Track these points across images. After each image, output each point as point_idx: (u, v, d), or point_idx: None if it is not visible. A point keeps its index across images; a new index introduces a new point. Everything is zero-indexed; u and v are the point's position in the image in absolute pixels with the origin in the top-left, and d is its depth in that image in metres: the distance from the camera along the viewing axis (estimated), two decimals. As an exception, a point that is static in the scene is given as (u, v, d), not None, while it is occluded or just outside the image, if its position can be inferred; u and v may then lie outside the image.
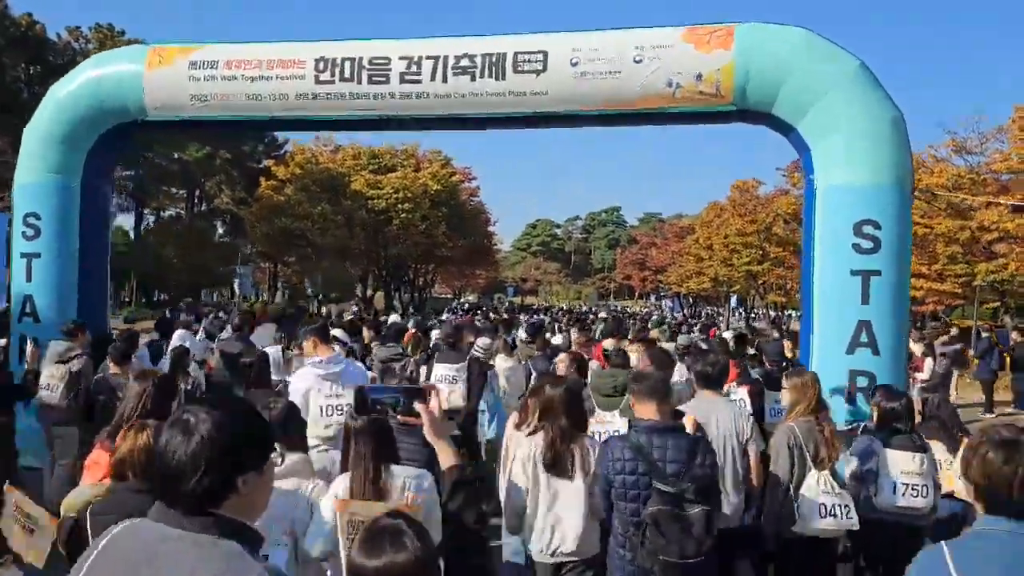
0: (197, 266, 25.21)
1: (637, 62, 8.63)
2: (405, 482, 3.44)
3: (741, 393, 7.46)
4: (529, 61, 8.82)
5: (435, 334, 11.92)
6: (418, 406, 2.65)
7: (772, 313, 41.38)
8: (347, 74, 9.18)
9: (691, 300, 60.87)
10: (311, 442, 5.57)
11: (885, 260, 8.39)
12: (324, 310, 32.22)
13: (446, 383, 7.55)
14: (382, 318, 20.70)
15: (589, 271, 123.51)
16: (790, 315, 52.80)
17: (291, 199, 34.10)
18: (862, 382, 8.26)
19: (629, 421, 5.26)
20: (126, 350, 7.76)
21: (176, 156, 35.41)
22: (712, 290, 47.14)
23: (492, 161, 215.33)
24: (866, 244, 8.41)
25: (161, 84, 9.63)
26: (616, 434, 4.71)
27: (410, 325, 19.97)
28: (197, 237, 27.09)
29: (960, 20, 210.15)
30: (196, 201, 41.37)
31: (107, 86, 9.76)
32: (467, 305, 53.47)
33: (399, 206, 34.46)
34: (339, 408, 5.84)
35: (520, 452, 4.36)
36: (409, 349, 9.86)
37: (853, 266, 8.42)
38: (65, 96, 9.90)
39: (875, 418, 5.42)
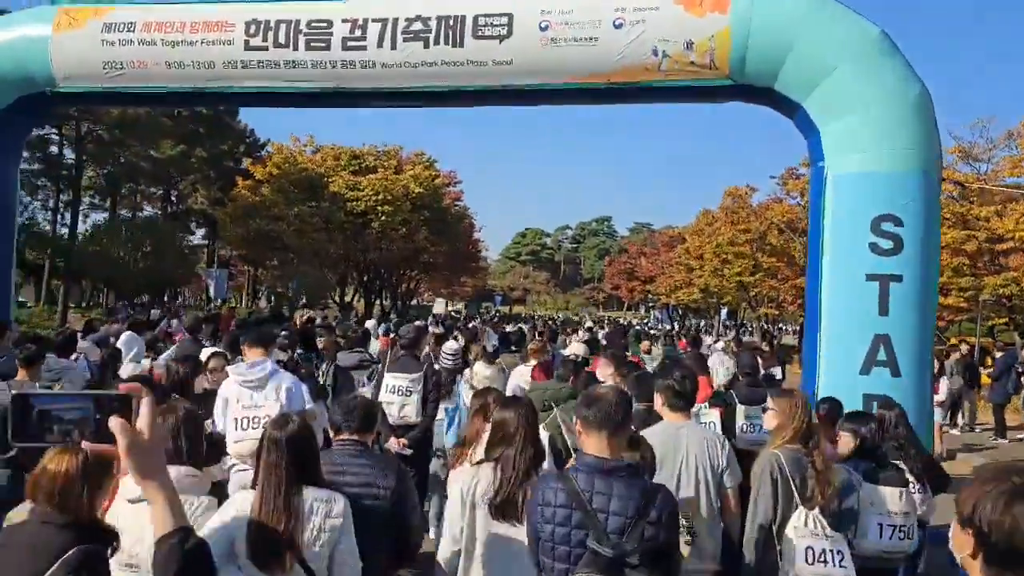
0: (152, 267, 23.76)
1: (617, 27, 7.37)
2: (313, 505, 3.10)
3: (712, 416, 6.36)
4: (491, 25, 7.55)
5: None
6: (114, 424, 1.41)
7: (764, 326, 40.13)
8: (282, 39, 7.89)
9: (680, 312, 59.66)
10: (230, 461, 5.14)
11: (908, 263, 7.18)
12: (298, 315, 30.85)
13: (398, 395, 6.72)
14: (366, 324, 19.30)
15: (579, 281, 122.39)
16: (781, 329, 51.72)
17: (267, 200, 32.71)
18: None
19: (551, 438, 4.73)
20: (36, 354, 6.34)
21: (149, 153, 33.88)
22: (702, 301, 45.93)
23: (478, 167, 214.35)
24: (885, 243, 7.19)
25: (70, 49, 8.31)
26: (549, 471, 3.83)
27: (380, 331, 18.77)
28: (154, 237, 25.63)
29: (964, 16, 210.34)
30: (172, 201, 39.95)
31: (6, 53, 8.43)
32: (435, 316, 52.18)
33: (379, 208, 33.10)
34: (256, 421, 5.20)
35: (457, 486, 3.67)
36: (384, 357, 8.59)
37: (869, 269, 7.20)
38: (-41, 63, 8.56)
39: (850, 447, 4.69)
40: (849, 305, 7.28)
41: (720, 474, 4.28)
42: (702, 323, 57.95)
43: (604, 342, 13.13)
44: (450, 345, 8.08)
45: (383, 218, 33.28)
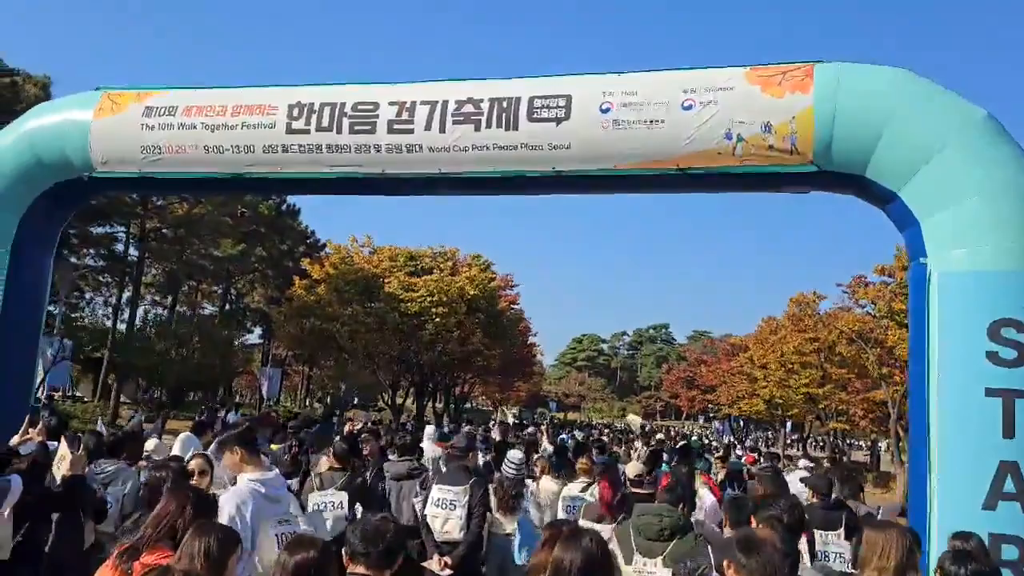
0: (198, 364, 23.49)
1: (686, 108, 6.68)
2: None
3: (801, 544, 5.26)
4: (548, 107, 6.95)
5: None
6: None
7: (834, 442, 37.89)
8: (325, 122, 7.42)
9: (742, 423, 57.24)
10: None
11: (1034, 376, 6.04)
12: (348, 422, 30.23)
13: (442, 508, 6.31)
14: (425, 431, 18.49)
15: (635, 389, 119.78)
16: (851, 445, 48.92)
17: (321, 299, 32.65)
18: (1009, 552, 5.81)
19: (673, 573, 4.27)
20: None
21: (210, 252, 34.45)
22: (766, 413, 43.81)
23: (534, 271, 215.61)
24: (1007, 353, 6.11)
25: (109, 133, 8.00)
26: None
27: (429, 435, 17.72)
28: (201, 332, 25.42)
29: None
30: (230, 299, 40.40)
31: (46, 137, 8.17)
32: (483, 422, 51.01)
33: (433, 310, 32.69)
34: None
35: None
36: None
37: (989, 383, 6.10)
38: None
39: None
40: (966, 425, 6.15)
41: None
42: (767, 434, 55.36)
43: (668, 456, 11.93)
44: (515, 454, 7.41)
45: (437, 320, 32.82)
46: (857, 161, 6.54)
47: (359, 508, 6.63)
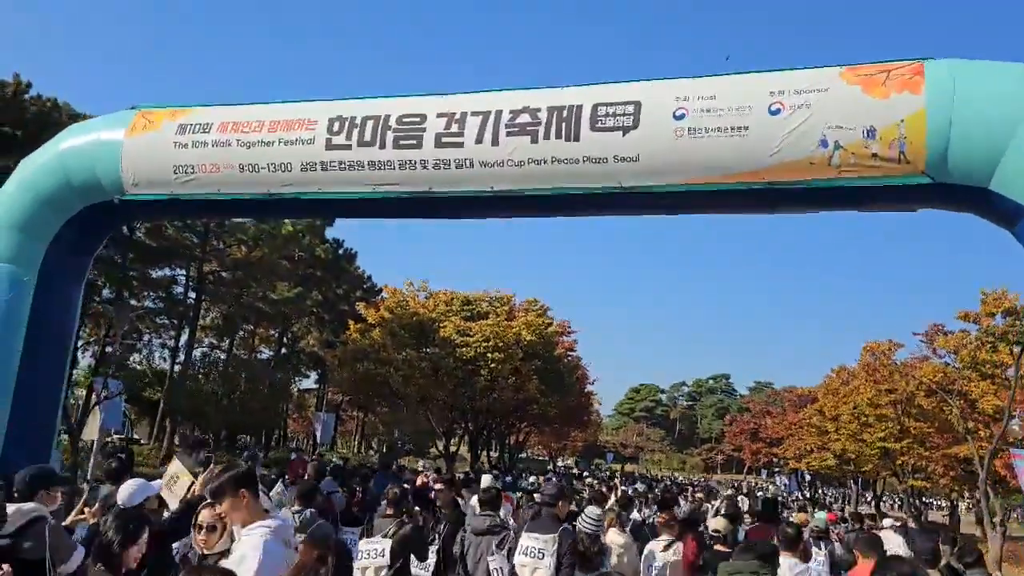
0: (246, 407, 23.02)
1: (774, 113, 5.85)
2: None
3: None
4: (614, 115, 6.18)
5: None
6: None
7: (911, 500, 35.43)
8: (368, 136, 6.79)
9: (808, 478, 54.51)
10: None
11: None
12: (415, 467, 29.49)
13: (530, 557, 6.20)
14: (482, 479, 17.80)
15: (695, 440, 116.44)
16: (928, 504, 46.03)
17: (376, 343, 32.21)
18: None
19: None
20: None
21: (267, 295, 34.43)
22: (836, 468, 41.49)
23: (592, 319, 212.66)
24: None
25: (141, 152, 7.53)
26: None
27: (487, 483, 16.84)
28: (248, 374, 24.98)
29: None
30: (285, 343, 40.29)
31: (78, 157, 7.74)
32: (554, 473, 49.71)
33: (489, 355, 31.92)
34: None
35: None
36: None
37: None
38: (30, 172, 7.92)
39: None
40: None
41: None
42: (841, 491, 52.62)
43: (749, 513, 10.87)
44: (593, 510, 7.07)
45: (493, 365, 32.05)
46: (979, 172, 5.59)
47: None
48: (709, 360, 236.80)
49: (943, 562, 6.72)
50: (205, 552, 4.76)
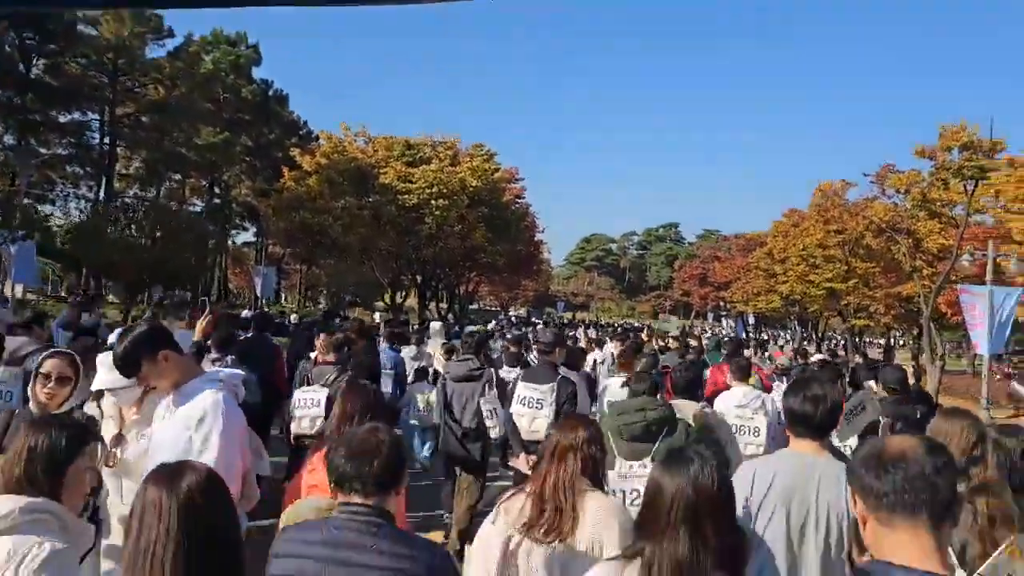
0: (166, 257, 21.52)
1: None
2: None
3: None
4: None
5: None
6: None
7: (854, 340, 36.24)
8: None
9: (753, 321, 55.79)
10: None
11: None
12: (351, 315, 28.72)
13: (528, 407, 6.10)
14: (429, 327, 17.28)
15: (644, 288, 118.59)
16: (867, 342, 47.52)
17: (312, 191, 30.66)
18: None
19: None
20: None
21: (192, 140, 32.12)
22: (782, 310, 42.24)
23: (541, 167, 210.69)
24: None
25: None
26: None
27: (435, 331, 16.23)
28: (165, 221, 23.24)
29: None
30: (215, 192, 38.17)
31: None
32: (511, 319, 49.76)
33: (433, 202, 30.69)
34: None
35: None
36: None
37: None
38: None
39: None
40: None
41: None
42: (781, 334, 54.07)
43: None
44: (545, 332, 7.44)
45: (437, 213, 30.91)
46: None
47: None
48: (659, 209, 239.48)
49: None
50: (50, 409, 3.74)
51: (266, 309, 33.56)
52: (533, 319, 51.98)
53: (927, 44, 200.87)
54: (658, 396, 4.85)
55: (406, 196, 30.79)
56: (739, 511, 2.70)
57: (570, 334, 22.57)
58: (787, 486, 3.03)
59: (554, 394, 6.01)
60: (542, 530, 2.72)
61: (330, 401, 5.65)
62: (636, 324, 49.59)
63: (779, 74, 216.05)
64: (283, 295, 55.39)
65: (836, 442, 4.49)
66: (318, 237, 31.62)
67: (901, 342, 48.72)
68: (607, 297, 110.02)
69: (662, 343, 16.68)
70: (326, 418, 5.28)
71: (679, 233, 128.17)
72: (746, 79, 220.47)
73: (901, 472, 1.71)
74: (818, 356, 18.43)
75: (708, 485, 2.12)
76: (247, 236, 47.58)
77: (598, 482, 2.91)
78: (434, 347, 12.79)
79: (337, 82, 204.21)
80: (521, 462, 5.80)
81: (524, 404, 6.10)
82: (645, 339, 15.19)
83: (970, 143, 20.98)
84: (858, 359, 18.06)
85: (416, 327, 19.11)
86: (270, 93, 36.37)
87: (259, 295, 35.36)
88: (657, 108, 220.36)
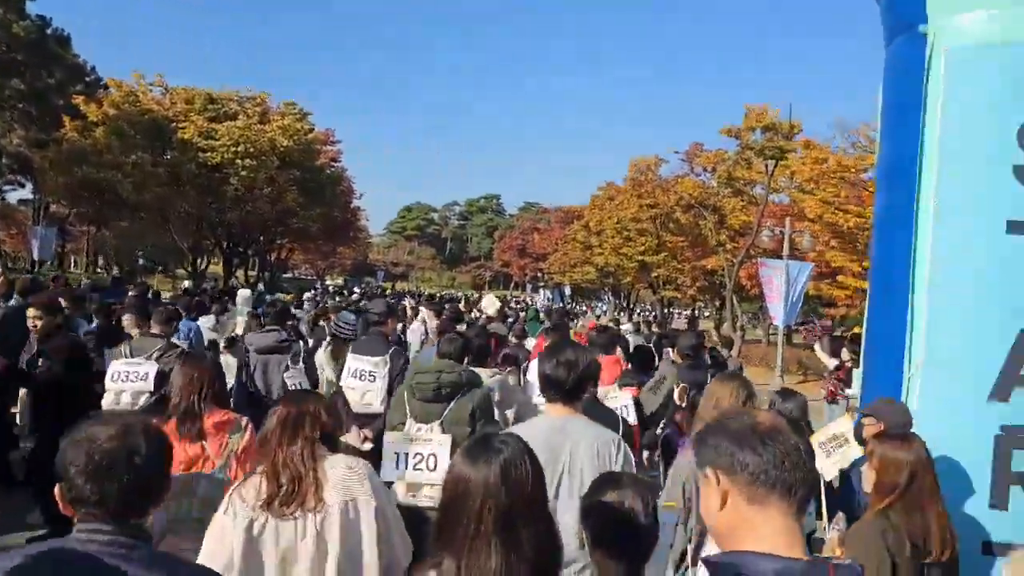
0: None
1: None
2: None
3: (623, 398, 5.35)
4: None
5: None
6: None
7: (662, 309, 37.85)
8: None
9: (569, 291, 57.27)
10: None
11: (1080, 206, 4.02)
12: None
13: (360, 380, 5.89)
14: (238, 295, 15.89)
15: (465, 259, 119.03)
16: (674, 313, 50.09)
17: (99, 143, 27.41)
18: (1021, 461, 3.94)
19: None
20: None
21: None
22: (597, 281, 43.41)
23: (363, 135, 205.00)
24: None
25: None
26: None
27: (243, 299, 14.84)
28: None
29: None
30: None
31: None
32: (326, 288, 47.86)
33: (238, 162, 28.45)
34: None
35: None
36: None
37: (1015, 214, 4.00)
38: None
39: None
40: (974, 276, 4.08)
41: None
42: (598, 304, 55.76)
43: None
44: (347, 315, 7.14)
45: (244, 173, 28.75)
46: None
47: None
48: (481, 181, 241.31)
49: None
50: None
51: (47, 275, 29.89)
52: (352, 287, 50.17)
53: (737, 30, 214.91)
54: (465, 361, 4.83)
55: (209, 154, 28.35)
56: None
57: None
58: (539, 450, 2.70)
59: (387, 366, 5.88)
60: (283, 504, 2.57)
61: (162, 376, 5.23)
62: (458, 295, 49.35)
63: (603, 53, 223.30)
64: (70, 259, 50.03)
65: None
66: (106, 195, 28.43)
67: (706, 313, 51.77)
68: (427, 267, 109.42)
69: (479, 314, 16.26)
70: (153, 394, 5.08)
71: (500, 205, 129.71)
72: (570, 56, 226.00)
73: (780, 447, 1.57)
74: (627, 326, 18.70)
75: (523, 481, 1.91)
76: (24, 193, 42.26)
77: (336, 451, 2.81)
78: (242, 317, 11.93)
79: (130, 27, 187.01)
80: (352, 436, 5.49)
81: (355, 376, 5.91)
82: (464, 310, 14.75)
83: (771, 125, 22.06)
84: (655, 328, 18.63)
85: (216, 295, 17.55)
86: (48, 32, 32.06)
87: (36, 257, 31.43)
88: (484, 83, 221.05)
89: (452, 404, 4.28)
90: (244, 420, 3.75)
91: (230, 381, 7.28)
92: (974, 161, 4.12)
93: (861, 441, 4.03)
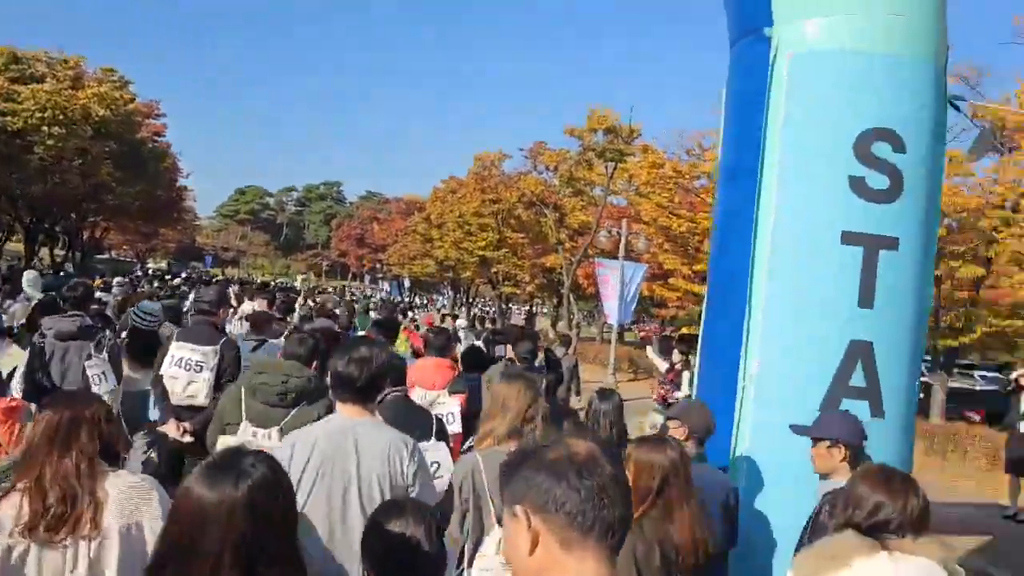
0: None
1: None
2: None
3: (451, 405, 5.32)
4: None
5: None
6: None
7: (500, 305, 38.06)
8: None
9: (408, 284, 56.64)
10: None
11: (907, 217, 4.12)
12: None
13: (185, 369, 5.40)
14: (24, 278, 14.02)
15: (301, 246, 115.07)
16: (512, 309, 50.71)
17: None
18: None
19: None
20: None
21: None
22: (437, 275, 43.07)
23: (194, 112, 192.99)
24: (877, 180, 4.07)
25: None
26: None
27: (29, 281, 13.30)
28: None
29: None
30: None
31: None
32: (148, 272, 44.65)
33: (45, 129, 25.69)
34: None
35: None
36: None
37: (849, 224, 4.03)
38: None
39: None
40: (809, 285, 4.07)
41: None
42: (438, 298, 55.46)
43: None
44: (149, 304, 6.51)
45: (51, 142, 25.97)
46: None
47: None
48: (323, 168, 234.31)
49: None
50: None
51: None
52: (176, 272, 46.98)
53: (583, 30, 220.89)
54: (314, 365, 4.54)
55: (9, 118, 25.40)
56: None
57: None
58: (328, 452, 2.91)
59: (217, 357, 5.48)
60: (50, 528, 2.18)
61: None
62: (292, 283, 47.42)
63: (451, 45, 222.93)
64: None
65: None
66: None
67: (544, 310, 52.75)
68: (260, 253, 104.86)
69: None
70: None
71: (341, 192, 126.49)
72: (407, 49, 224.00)
73: (598, 480, 1.38)
74: (461, 321, 18.52)
75: (273, 511, 1.72)
76: None
77: (116, 464, 2.48)
78: (23, 304, 10.61)
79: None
80: (171, 427, 5.30)
81: (180, 366, 5.47)
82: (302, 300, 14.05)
83: (613, 127, 22.57)
84: (488, 325, 18.58)
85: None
86: None
87: None
88: (333, 69, 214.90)
89: (295, 410, 3.96)
90: (34, 407, 3.37)
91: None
92: (813, 169, 4.12)
93: None
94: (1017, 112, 12.92)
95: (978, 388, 15.26)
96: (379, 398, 3.83)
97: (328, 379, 5.21)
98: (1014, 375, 9.72)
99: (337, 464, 2.88)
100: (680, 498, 2.87)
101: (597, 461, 1.39)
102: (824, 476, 3.48)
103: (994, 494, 9.94)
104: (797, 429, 3.66)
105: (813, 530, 3.25)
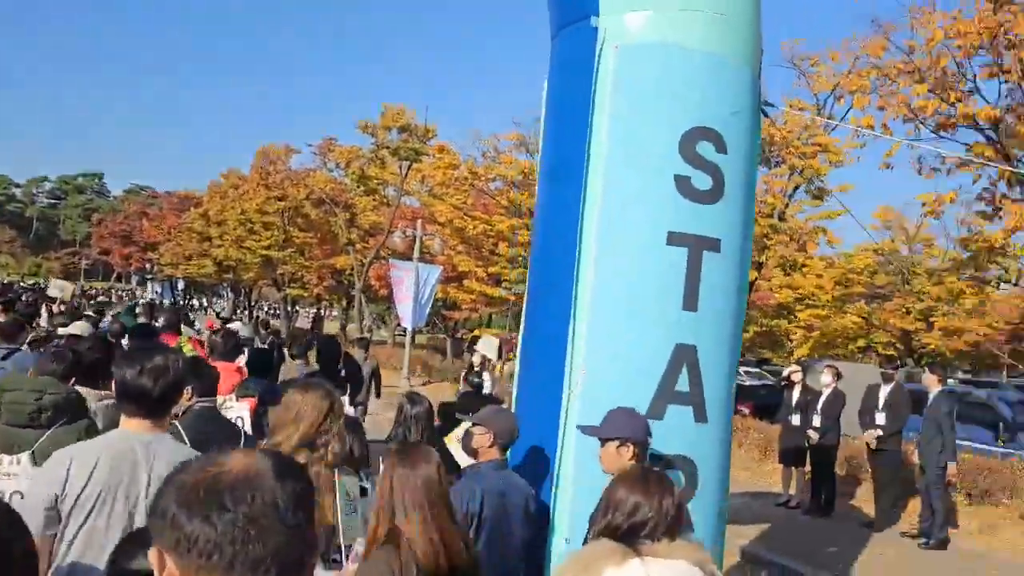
0: None
1: None
2: None
3: (240, 409, 4.91)
4: None
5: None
6: None
7: (285, 307, 36.18)
8: None
9: (183, 285, 52.57)
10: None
11: (727, 218, 4.10)
12: None
13: None
14: None
15: (55, 244, 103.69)
16: (298, 311, 48.66)
17: None
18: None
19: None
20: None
21: None
22: (215, 276, 40.22)
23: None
24: (701, 180, 3.98)
25: None
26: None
27: None
28: None
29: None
30: None
31: None
32: None
33: None
34: None
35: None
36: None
37: (674, 225, 3.90)
38: None
39: None
40: (635, 286, 3.92)
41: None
42: (217, 300, 51.97)
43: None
44: None
45: None
46: None
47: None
48: (80, 157, 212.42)
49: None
50: None
51: None
52: None
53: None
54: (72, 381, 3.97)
55: None
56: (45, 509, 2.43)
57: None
58: (114, 471, 2.61)
59: None
60: None
61: None
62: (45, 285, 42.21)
63: (254, 38, 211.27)
64: None
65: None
66: None
67: (333, 313, 51.07)
68: (5, 251, 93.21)
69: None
70: None
71: (103, 185, 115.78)
72: (187, 33, 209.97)
73: (247, 508, 1.12)
74: (238, 324, 17.29)
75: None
76: None
77: None
78: None
79: None
80: None
81: None
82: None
83: (408, 126, 22.14)
84: (277, 325, 17.50)
85: None
86: None
87: None
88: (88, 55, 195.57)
89: (49, 432, 3.48)
90: None
91: None
92: (638, 167, 3.96)
93: (469, 451, 3.76)
94: (782, 128, 14.19)
95: (746, 383, 16.51)
96: (182, 411, 3.56)
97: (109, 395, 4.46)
98: (786, 372, 10.46)
99: (123, 486, 2.59)
100: (439, 509, 2.63)
101: (251, 483, 1.14)
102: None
103: (768, 483, 10.64)
104: (585, 429, 3.58)
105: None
